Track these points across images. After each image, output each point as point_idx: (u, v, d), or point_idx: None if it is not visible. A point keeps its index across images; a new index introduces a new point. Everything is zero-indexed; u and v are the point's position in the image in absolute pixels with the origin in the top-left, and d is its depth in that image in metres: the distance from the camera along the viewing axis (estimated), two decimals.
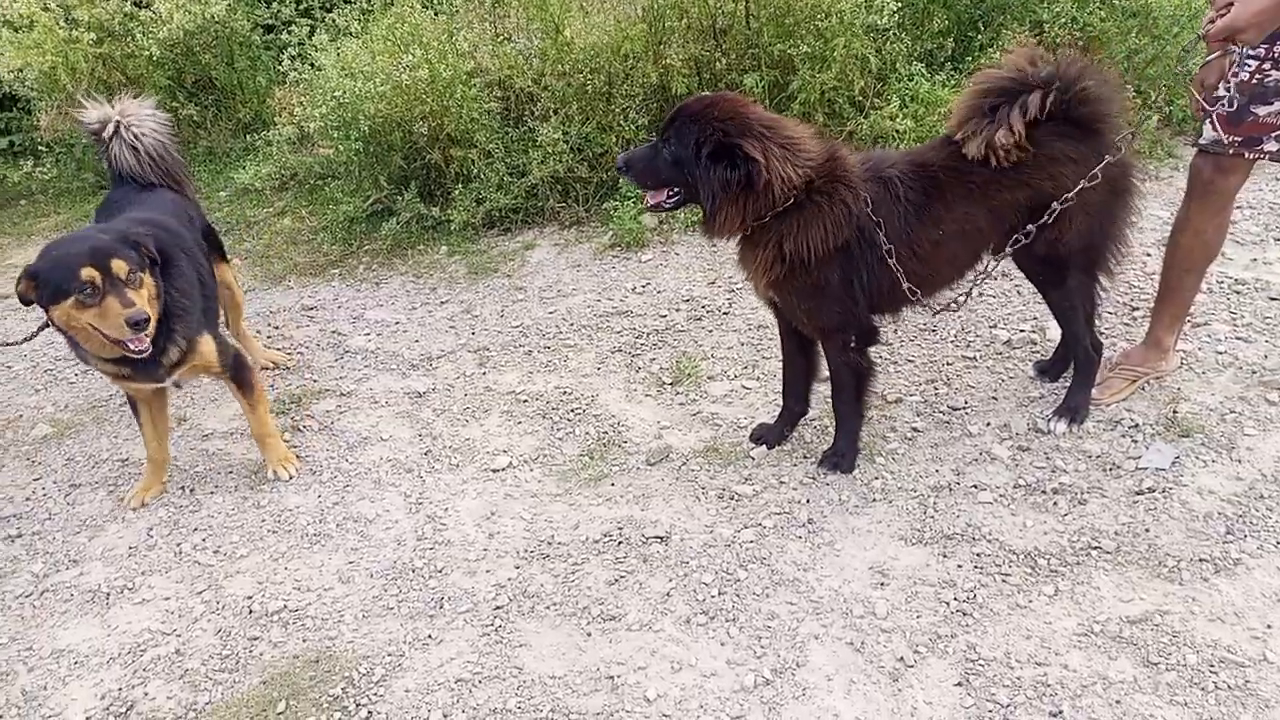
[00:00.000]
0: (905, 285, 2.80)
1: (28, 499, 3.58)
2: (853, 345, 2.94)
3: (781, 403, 3.32)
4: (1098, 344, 3.19)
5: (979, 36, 5.28)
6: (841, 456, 3.13)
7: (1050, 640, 2.45)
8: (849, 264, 2.76)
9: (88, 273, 2.84)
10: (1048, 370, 3.43)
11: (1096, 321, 3.24)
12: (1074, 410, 3.19)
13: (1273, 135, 2.78)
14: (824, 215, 2.69)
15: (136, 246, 3.00)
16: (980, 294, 3.97)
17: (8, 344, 3.71)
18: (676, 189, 2.78)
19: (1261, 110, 2.73)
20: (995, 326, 3.78)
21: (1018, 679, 2.36)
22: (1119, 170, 2.82)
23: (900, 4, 4.88)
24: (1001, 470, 3.06)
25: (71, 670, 2.76)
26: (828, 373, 3.11)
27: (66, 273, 2.84)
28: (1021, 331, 3.72)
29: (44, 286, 2.89)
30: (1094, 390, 3.19)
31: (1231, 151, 2.84)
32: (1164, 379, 3.32)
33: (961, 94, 2.84)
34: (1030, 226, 2.79)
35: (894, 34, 4.99)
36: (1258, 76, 2.69)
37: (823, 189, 2.69)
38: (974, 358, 3.61)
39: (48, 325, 3.12)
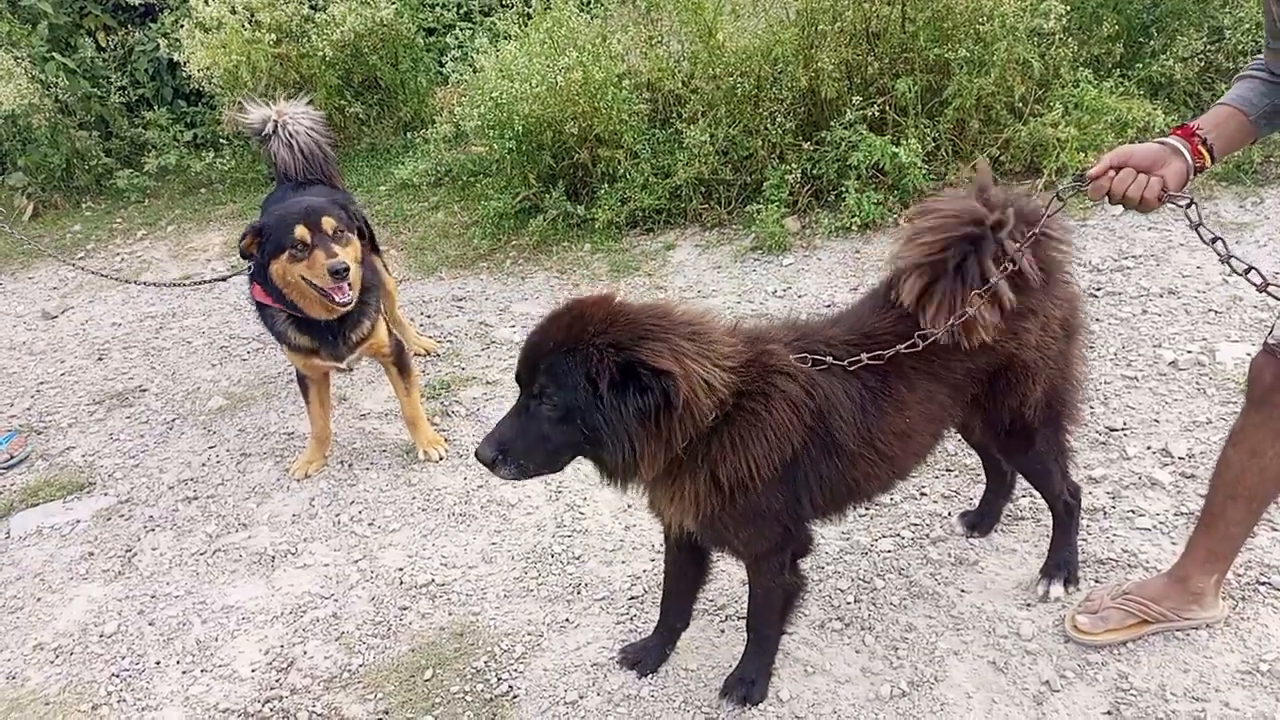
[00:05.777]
0: (866, 489, 2.32)
1: (203, 465, 3.87)
2: (788, 565, 2.36)
3: (659, 619, 2.63)
4: (1075, 488, 2.65)
5: (1150, 43, 5.03)
6: (752, 685, 2.47)
7: (1210, 676, 2.33)
8: (798, 477, 2.14)
9: (300, 230, 3.14)
10: (977, 525, 2.92)
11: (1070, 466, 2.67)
12: (1065, 567, 2.66)
13: None
14: (765, 423, 2.04)
15: (346, 209, 3.29)
16: (1144, 311, 3.80)
17: (201, 282, 4.45)
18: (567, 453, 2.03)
19: None
20: (1159, 346, 3.60)
21: (1172, 712, 2.25)
22: (1069, 308, 2.37)
23: (1068, 7, 4.70)
24: (1163, 496, 2.91)
25: (239, 625, 2.98)
26: (749, 583, 2.45)
27: (284, 230, 3.15)
28: (1188, 352, 3.53)
29: (266, 242, 3.19)
30: (1081, 618, 2.48)
31: None
32: None
33: (904, 239, 2.23)
34: None
35: (1059, 38, 4.81)
36: None
37: (756, 389, 2.04)
38: (1135, 377, 3.44)
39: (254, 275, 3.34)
